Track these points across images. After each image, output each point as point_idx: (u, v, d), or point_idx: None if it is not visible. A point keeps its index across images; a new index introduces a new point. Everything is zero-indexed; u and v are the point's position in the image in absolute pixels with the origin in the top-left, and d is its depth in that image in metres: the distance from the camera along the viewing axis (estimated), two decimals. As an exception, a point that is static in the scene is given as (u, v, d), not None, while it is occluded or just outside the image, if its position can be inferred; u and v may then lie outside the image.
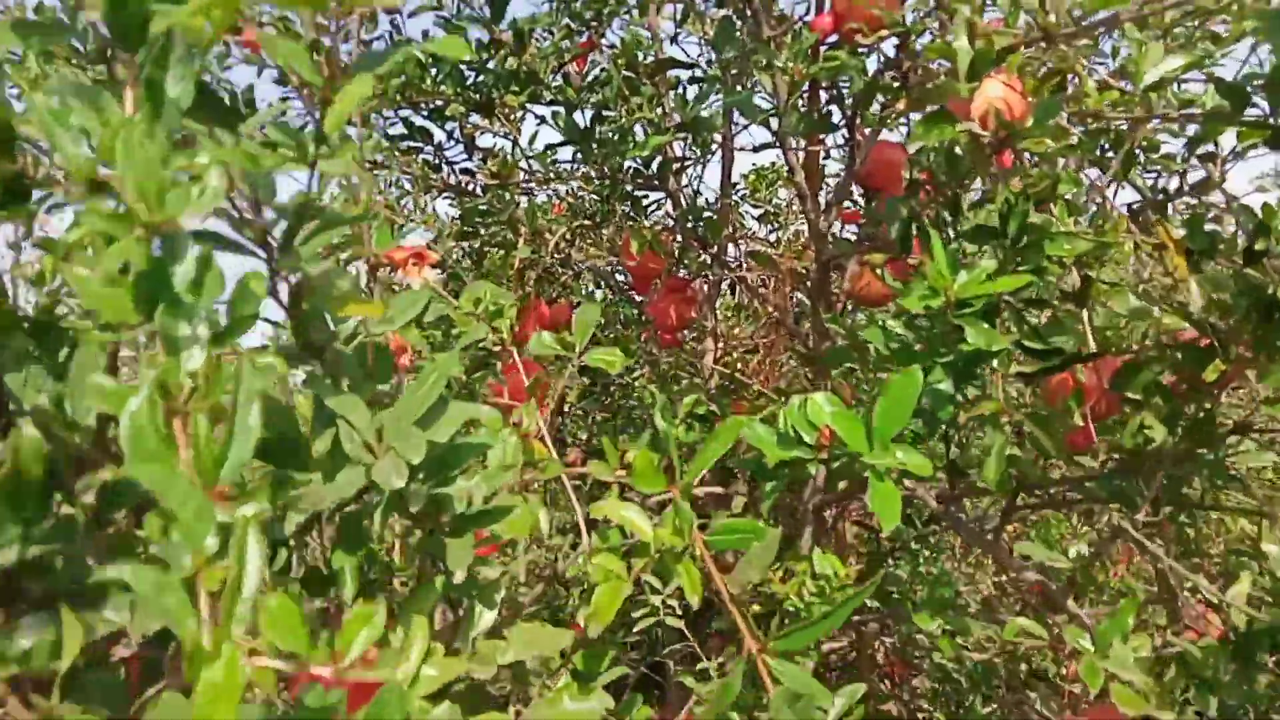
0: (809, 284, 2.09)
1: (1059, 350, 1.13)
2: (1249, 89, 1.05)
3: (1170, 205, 1.32)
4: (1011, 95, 1.22)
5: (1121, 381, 1.14)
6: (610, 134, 1.91)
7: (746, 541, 0.80)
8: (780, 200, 3.41)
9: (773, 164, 3.44)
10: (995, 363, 1.12)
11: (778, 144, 1.66)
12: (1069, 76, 1.22)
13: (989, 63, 1.10)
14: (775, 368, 2.15)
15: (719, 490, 1.81)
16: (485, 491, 0.61)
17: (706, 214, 1.92)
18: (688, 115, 1.61)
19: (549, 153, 1.89)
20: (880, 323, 1.12)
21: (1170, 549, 1.38)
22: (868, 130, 1.79)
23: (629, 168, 1.99)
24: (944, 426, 1.06)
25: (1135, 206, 1.34)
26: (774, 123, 1.72)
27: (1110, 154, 1.32)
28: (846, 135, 1.78)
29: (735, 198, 2.53)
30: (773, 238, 2.67)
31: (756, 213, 3.15)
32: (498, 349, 1.25)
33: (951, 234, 1.26)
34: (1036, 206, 1.17)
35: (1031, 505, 1.60)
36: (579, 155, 1.83)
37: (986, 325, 1.02)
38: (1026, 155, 1.27)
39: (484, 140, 2.82)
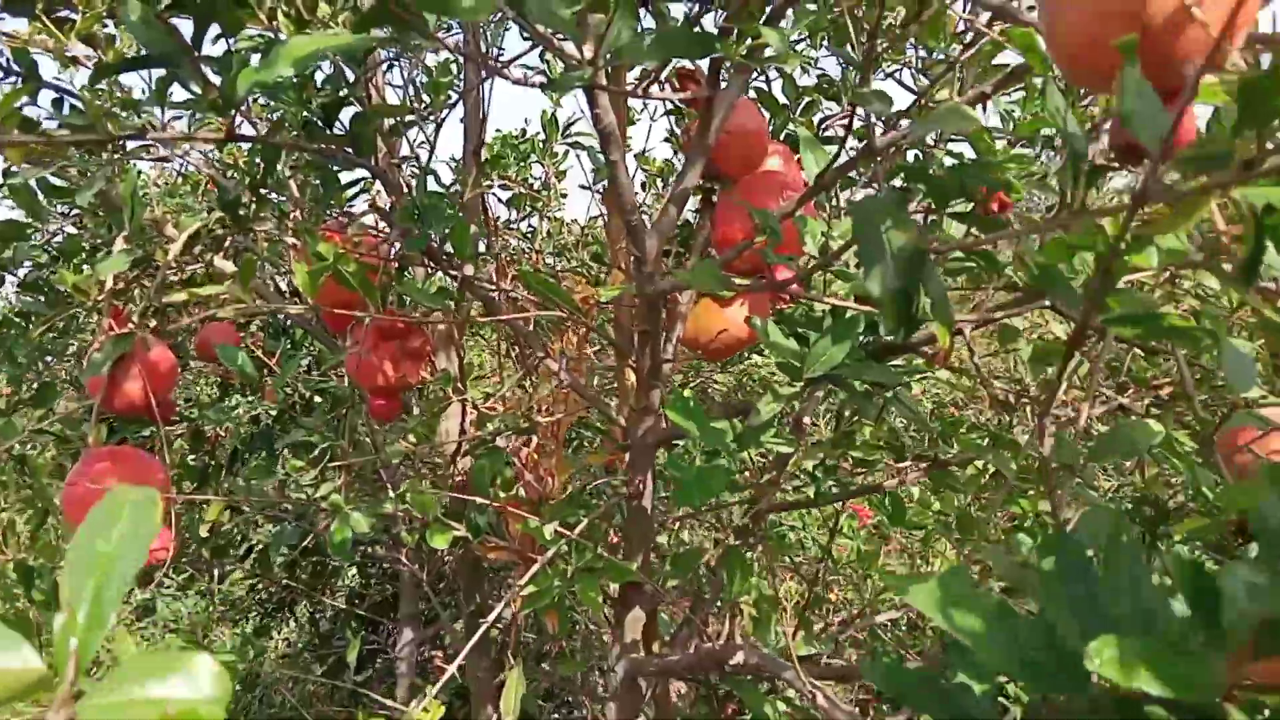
0: (620, 327, 1.29)
1: None
2: None
3: None
4: None
5: None
6: (244, 47, 0.98)
7: None
8: (536, 178, 2.55)
9: (523, 128, 2.58)
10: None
11: (577, 85, 0.82)
12: None
13: None
14: (559, 463, 1.33)
15: None
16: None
17: (442, 206, 1.05)
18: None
19: (108, 75, 0.94)
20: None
21: None
22: (731, 76, 1.02)
23: (299, 119, 1.07)
24: None
25: None
26: (573, 46, 0.88)
27: None
28: (702, 78, 0.99)
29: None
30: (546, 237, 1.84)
31: (504, 195, 2.29)
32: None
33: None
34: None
35: None
36: (166, 79, 0.89)
37: None
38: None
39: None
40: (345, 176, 1.23)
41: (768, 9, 0.84)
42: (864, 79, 0.75)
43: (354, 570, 3.06)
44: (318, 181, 1.26)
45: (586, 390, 1.26)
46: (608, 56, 0.76)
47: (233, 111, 0.90)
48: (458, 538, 1.23)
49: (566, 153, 2.38)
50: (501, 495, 1.27)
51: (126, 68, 0.86)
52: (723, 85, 0.98)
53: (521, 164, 2.42)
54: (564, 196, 2.53)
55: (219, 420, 1.98)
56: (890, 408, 1.10)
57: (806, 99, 1.35)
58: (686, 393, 1.07)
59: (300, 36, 0.50)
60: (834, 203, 1.33)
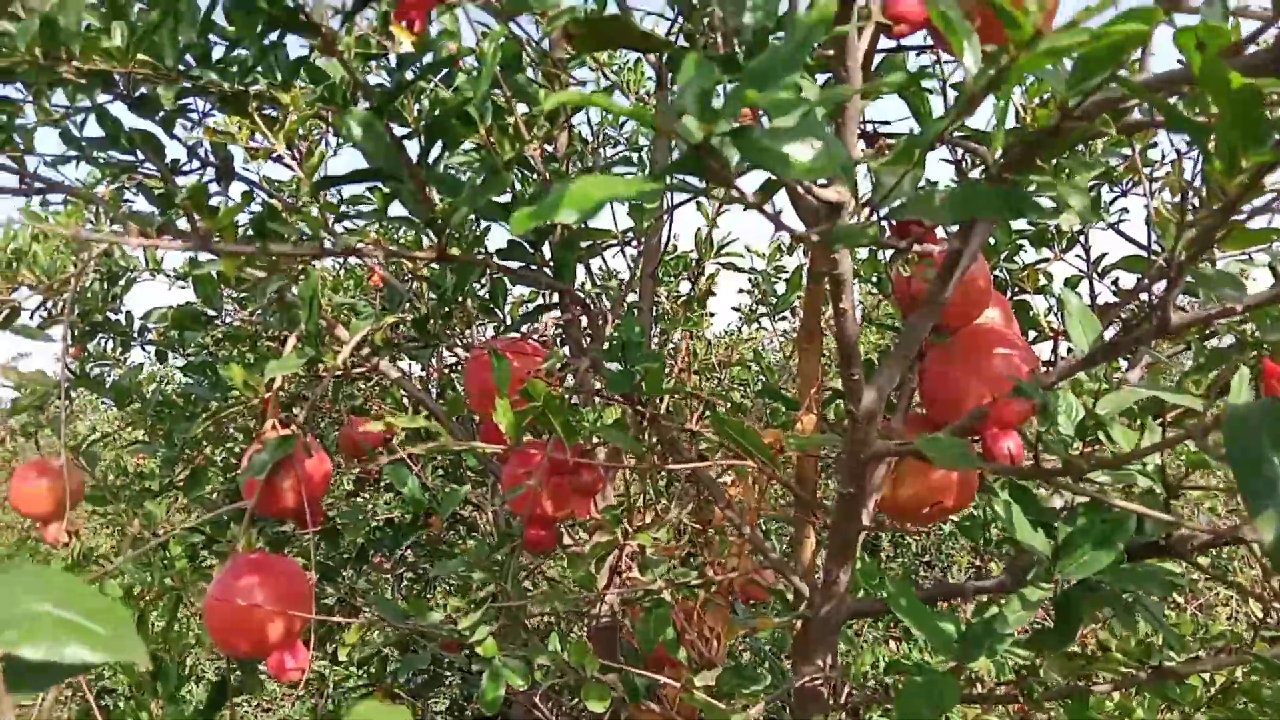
0: (805, 481, 1.17)
1: None
2: None
3: None
4: None
5: None
6: (462, 169, 0.95)
7: None
8: (682, 294, 2.49)
9: (674, 244, 2.53)
10: None
11: (858, 241, 0.73)
12: None
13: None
14: (725, 624, 1.20)
15: None
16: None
17: (643, 341, 0.97)
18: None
19: (339, 198, 0.91)
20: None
21: None
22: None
23: (484, 236, 1.02)
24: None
25: None
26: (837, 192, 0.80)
27: None
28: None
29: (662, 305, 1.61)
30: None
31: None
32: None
33: None
34: None
35: None
36: (389, 196, 0.85)
37: None
38: None
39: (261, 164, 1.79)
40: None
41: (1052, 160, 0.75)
42: (1199, 252, 0.62)
43: (459, 679, 2.94)
44: (489, 299, 1.21)
45: (766, 548, 1.14)
46: (882, 211, 0.67)
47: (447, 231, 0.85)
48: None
49: (718, 271, 2.31)
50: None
51: (350, 180, 0.83)
52: (974, 237, 0.88)
53: (670, 280, 2.36)
54: (711, 315, 2.45)
55: (353, 519, 1.94)
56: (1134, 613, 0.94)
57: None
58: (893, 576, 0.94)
59: (590, 179, 0.42)
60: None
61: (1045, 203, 0.60)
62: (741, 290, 2.24)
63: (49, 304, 1.76)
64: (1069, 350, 1.17)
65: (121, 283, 1.88)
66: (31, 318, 1.74)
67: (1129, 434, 0.77)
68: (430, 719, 2.99)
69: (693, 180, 0.49)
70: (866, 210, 0.67)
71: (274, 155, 1.31)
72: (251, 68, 1.16)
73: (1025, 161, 0.72)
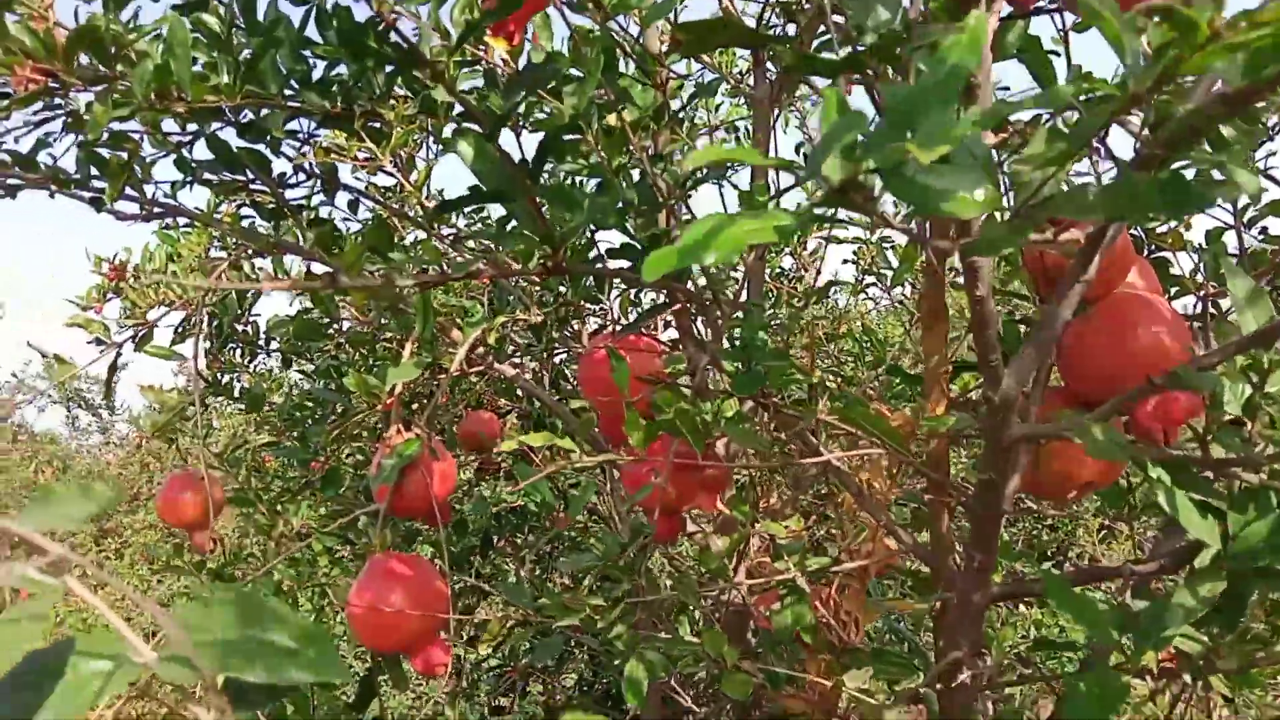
0: (938, 463, 1.13)
1: None
2: None
3: None
4: None
5: None
6: (570, 178, 0.94)
7: None
8: (783, 269, 2.43)
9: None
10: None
11: (1008, 244, 0.69)
12: None
13: None
14: (863, 608, 1.18)
15: None
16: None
17: (766, 339, 0.95)
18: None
19: (444, 212, 0.91)
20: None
21: None
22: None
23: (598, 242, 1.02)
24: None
25: None
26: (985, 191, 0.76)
27: None
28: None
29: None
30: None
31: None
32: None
33: None
34: None
35: None
36: (505, 218, 0.85)
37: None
38: None
39: (359, 176, 1.83)
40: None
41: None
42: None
43: (587, 656, 3.01)
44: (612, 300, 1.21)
45: (903, 534, 1.11)
46: (1024, 209, 0.63)
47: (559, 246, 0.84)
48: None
49: (820, 246, 2.25)
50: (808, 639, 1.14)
51: (464, 204, 0.83)
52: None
53: (773, 257, 2.31)
54: (825, 293, 2.38)
55: (480, 511, 1.99)
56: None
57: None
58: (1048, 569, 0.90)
59: (747, 219, 0.41)
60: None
61: (1211, 192, 0.56)
62: (846, 261, 2.17)
63: (185, 321, 1.85)
64: (1217, 311, 1.10)
65: (250, 294, 1.96)
66: (176, 335, 1.82)
67: (1309, 418, 0.71)
68: (559, 695, 3.08)
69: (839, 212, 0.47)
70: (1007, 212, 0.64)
71: (380, 168, 1.33)
72: (353, 86, 1.17)
73: (1182, 143, 0.66)
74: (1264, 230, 1.18)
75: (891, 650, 1.17)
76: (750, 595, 1.24)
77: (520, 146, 0.90)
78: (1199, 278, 1.13)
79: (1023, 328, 1.16)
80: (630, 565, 1.10)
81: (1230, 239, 1.17)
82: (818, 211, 0.48)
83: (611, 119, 0.98)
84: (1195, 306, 1.23)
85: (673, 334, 1.35)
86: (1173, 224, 1.16)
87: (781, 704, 1.15)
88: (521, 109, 1.05)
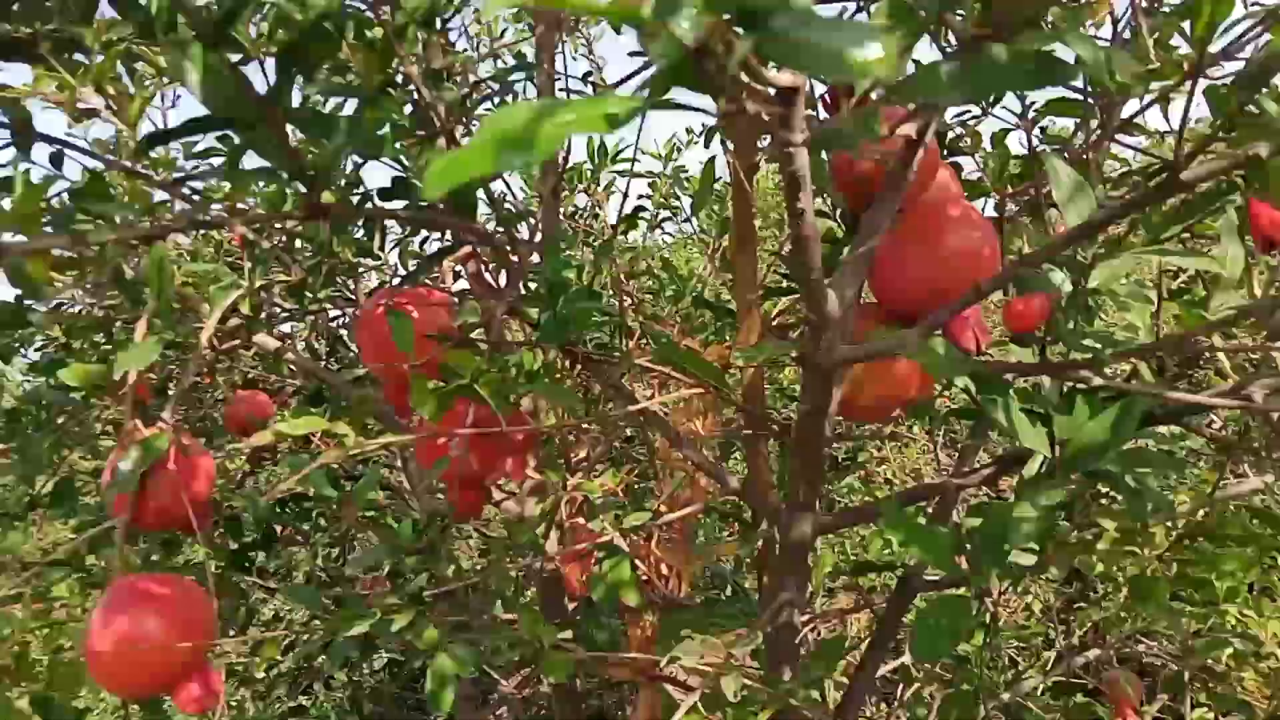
0: (755, 394, 1.07)
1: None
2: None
3: None
4: None
5: None
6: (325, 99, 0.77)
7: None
8: (578, 208, 2.31)
9: (565, 156, 2.35)
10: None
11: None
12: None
13: None
14: (686, 559, 1.11)
15: None
16: None
17: (570, 280, 0.83)
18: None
19: (156, 145, 0.73)
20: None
21: None
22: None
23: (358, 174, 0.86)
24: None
25: None
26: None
27: None
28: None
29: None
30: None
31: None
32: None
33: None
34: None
35: None
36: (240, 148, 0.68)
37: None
38: None
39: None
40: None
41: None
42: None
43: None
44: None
45: (724, 476, 1.05)
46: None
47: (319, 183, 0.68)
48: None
49: (612, 181, 2.16)
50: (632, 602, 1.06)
51: (185, 133, 0.65)
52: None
53: (567, 194, 2.20)
54: (627, 231, 2.28)
55: (252, 505, 1.76)
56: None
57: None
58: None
59: (567, 108, 0.29)
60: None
61: (1070, 61, 0.50)
62: (642, 195, 2.10)
63: None
64: (1009, 209, 1.10)
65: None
66: None
67: (1143, 310, 0.70)
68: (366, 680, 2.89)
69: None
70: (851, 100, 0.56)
71: (87, 108, 1.08)
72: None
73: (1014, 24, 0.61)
74: (1044, 130, 1.20)
75: (717, 601, 1.12)
76: (563, 564, 1.15)
77: (266, 77, 0.73)
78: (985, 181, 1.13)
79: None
80: (430, 551, 0.97)
81: (1013, 141, 1.18)
82: (659, 94, 0.37)
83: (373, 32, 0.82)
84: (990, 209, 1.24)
85: (463, 285, 1.21)
86: (971, 122, 1.15)
87: (606, 674, 1.07)
88: (262, 18, 0.86)
